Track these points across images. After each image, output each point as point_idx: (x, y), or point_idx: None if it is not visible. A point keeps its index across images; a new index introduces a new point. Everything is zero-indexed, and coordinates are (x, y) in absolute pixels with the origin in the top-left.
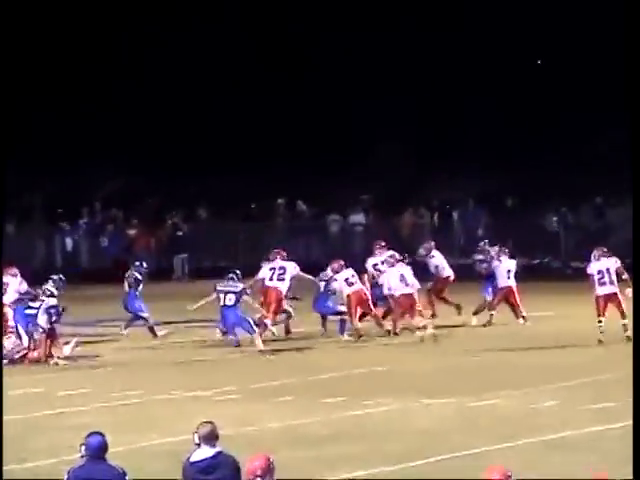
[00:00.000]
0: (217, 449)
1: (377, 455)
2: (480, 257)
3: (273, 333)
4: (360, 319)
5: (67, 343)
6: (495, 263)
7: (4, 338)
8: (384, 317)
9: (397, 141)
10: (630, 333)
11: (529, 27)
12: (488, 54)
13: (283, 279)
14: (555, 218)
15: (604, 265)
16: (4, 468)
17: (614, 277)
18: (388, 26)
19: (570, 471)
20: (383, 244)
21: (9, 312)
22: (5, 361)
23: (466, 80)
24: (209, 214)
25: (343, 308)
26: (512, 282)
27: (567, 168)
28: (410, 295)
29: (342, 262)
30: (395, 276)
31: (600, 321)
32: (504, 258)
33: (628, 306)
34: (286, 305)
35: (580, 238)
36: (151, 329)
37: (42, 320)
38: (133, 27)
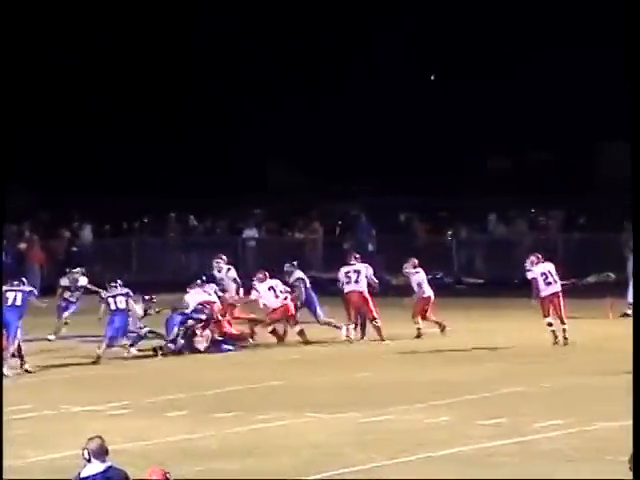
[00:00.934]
0: (107, 464)
1: (269, 469)
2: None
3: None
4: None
5: None
6: (413, 276)
7: None
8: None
9: (290, 156)
10: (569, 335)
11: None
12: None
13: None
14: (450, 232)
15: (545, 267)
16: None
17: (557, 277)
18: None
19: None
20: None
21: None
22: None
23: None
24: (101, 230)
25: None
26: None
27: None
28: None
29: (266, 272)
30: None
31: (550, 324)
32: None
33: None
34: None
35: (470, 254)
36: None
37: None
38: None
